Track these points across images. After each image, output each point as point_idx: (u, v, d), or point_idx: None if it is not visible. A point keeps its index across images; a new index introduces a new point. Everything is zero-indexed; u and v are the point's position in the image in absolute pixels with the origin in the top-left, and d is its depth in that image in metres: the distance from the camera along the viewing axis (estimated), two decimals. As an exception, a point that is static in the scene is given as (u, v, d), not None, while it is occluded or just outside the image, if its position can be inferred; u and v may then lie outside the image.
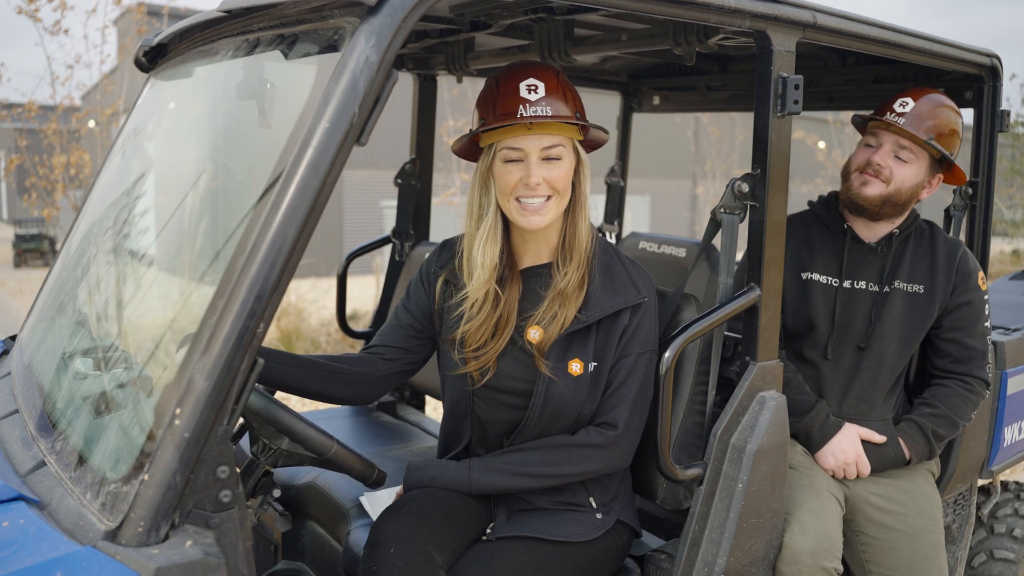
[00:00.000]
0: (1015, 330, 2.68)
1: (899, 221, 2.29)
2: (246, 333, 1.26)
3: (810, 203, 2.42)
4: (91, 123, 9.29)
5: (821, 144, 14.21)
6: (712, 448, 1.86)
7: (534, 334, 1.81)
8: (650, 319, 1.84)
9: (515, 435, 1.82)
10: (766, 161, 1.85)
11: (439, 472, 1.83)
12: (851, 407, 2.25)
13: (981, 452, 2.55)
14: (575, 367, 1.79)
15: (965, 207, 2.52)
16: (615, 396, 1.81)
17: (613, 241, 3.61)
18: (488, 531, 1.82)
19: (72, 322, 2.05)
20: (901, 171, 2.19)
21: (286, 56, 1.53)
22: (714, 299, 1.98)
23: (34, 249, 17.95)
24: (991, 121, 2.46)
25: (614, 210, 3.63)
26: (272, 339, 7.68)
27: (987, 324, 2.28)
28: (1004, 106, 2.52)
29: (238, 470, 1.51)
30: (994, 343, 2.54)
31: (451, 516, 1.74)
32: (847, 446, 2.17)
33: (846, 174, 2.28)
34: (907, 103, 2.19)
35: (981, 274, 2.29)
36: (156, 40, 2.07)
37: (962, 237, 2.55)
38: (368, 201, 18.28)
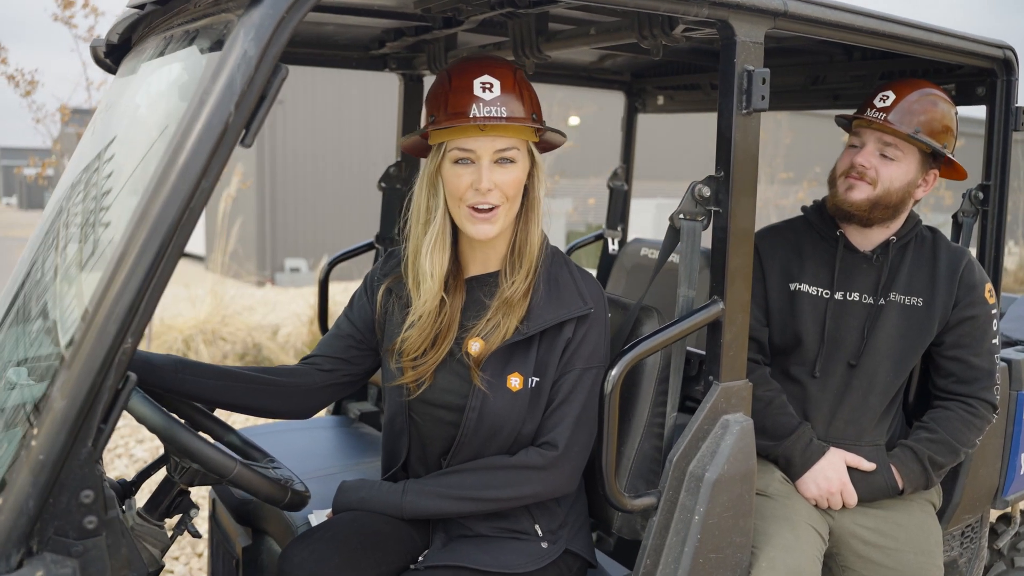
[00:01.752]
0: (1035, 347, 2.46)
1: (896, 227, 2.10)
2: (111, 348, 1.17)
3: (803, 208, 2.25)
4: None
5: None
6: (667, 475, 1.71)
7: (474, 346, 1.70)
8: (597, 332, 1.70)
9: (451, 453, 1.71)
10: (730, 162, 1.70)
11: (370, 494, 1.72)
12: (839, 430, 2.07)
13: (993, 480, 2.33)
14: (514, 382, 1.66)
15: (976, 213, 2.31)
16: (556, 415, 1.68)
17: (616, 247, 3.47)
18: (420, 559, 1.70)
19: (19, 327, 2.01)
20: (888, 170, 2.01)
21: (188, 53, 1.44)
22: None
23: None
24: (1005, 119, 2.25)
25: (617, 215, 3.47)
26: (303, 343, 7.70)
27: (995, 341, 2.08)
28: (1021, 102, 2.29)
29: (123, 492, 1.43)
30: (1008, 361, 2.32)
31: (373, 542, 1.63)
32: (831, 473, 1.99)
33: (832, 180, 2.11)
34: (888, 97, 2.02)
35: (989, 286, 2.08)
36: (105, 39, 2.02)
37: (973, 246, 2.34)
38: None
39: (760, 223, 2.19)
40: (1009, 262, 13.24)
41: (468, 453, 1.70)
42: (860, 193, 2.02)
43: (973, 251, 2.29)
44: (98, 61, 2.17)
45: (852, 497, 1.99)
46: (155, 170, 1.22)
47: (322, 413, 3.66)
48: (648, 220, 15.59)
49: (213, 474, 1.48)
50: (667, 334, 1.68)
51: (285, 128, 14.56)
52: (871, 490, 2.01)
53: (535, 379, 1.68)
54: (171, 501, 1.59)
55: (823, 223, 2.15)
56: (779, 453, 2.02)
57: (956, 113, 2.09)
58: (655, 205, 16.34)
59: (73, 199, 1.81)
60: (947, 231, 2.37)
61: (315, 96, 14.68)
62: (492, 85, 1.63)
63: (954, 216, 2.33)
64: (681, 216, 1.73)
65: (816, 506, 2.02)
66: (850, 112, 2.16)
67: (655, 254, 3.25)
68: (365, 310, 1.83)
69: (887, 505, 2.05)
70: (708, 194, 1.72)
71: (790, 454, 2.01)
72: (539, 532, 1.73)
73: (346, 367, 1.82)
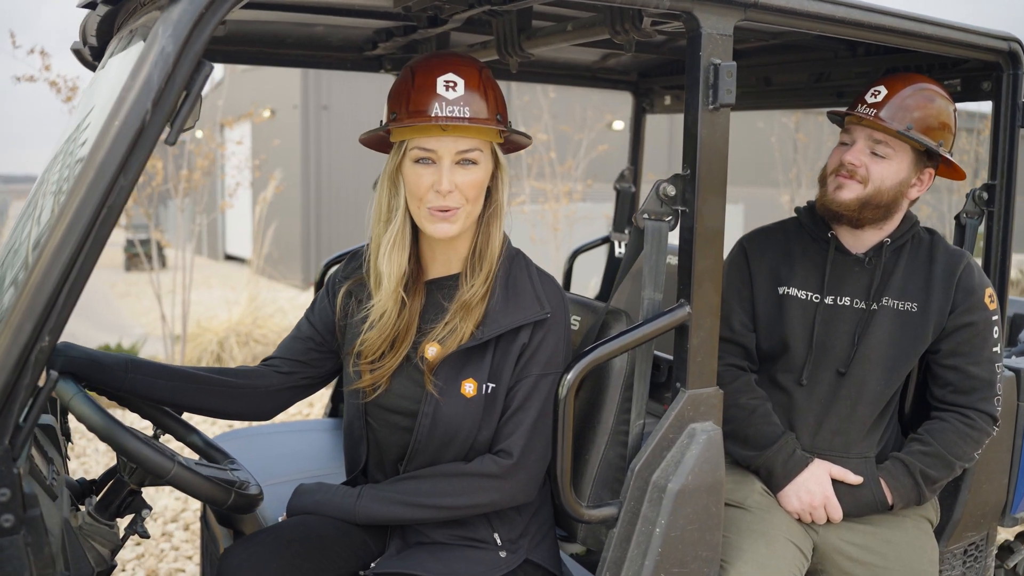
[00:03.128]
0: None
1: (890, 228, 2.00)
2: (26, 346, 1.17)
3: (797, 210, 2.16)
4: (198, 133, 9.74)
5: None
6: (629, 485, 1.64)
7: (431, 351, 1.66)
8: (555, 338, 1.66)
9: (407, 460, 1.68)
10: (696, 160, 1.63)
11: (325, 498, 1.70)
12: (825, 441, 1.97)
13: (999, 496, 2.20)
14: (468, 388, 1.63)
15: (980, 214, 2.19)
16: (512, 422, 1.63)
17: (622, 251, 3.40)
18: (372, 566, 1.67)
19: None
20: (879, 169, 1.91)
21: (128, 51, 1.44)
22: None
23: (136, 254, 18.80)
24: (1011, 115, 2.13)
25: (624, 218, 3.40)
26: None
27: (996, 349, 1.96)
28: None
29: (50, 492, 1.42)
30: (1016, 371, 2.20)
31: (320, 547, 1.60)
32: (814, 486, 1.90)
33: (823, 179, 2.02)
34: (880, 92, 1.93)
35: (990, 291, 1.97)
36: (85, 42, 2.04)
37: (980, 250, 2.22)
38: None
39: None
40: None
41: (423, 460, 1.66)
42: (849, 192, 1.93)
43: (979, 258, 2.18)
44: (85, 63, 2.20)
45: (836, 511, 1.89)
46: (77, 167, 1.22)
47: (318, 415, 3.66)
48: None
49: (151, 474, 1.47)
50: (627, 338, 1.62)
51: (329, 133, 14.75)
52: (858, 505, 1.91)
53: (490, 385, 1.64)
54: (122, 501, 1.58)
55: (815, 224, 2.07)
56: (760, 464, 1.94)
57: (955, 110, 1.99)
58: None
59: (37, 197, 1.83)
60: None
61: (358, 102, 14.84)
62: (456, 84, 1.59)
63: (956, 217, 2.21)
64: (645, 216, 1.67)
65: (799, 520, 1.93)
66: (844, 109, 2.07)
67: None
68: (326, 312, 1.81)
69: (877, 521, 1.95)
70: (673, 193, 1.65)
71: (772, 465, 1.92)
72: (498, 541, 1.69)
73: (305, 370, 1.80)
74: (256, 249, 8.43)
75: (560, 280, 3.63)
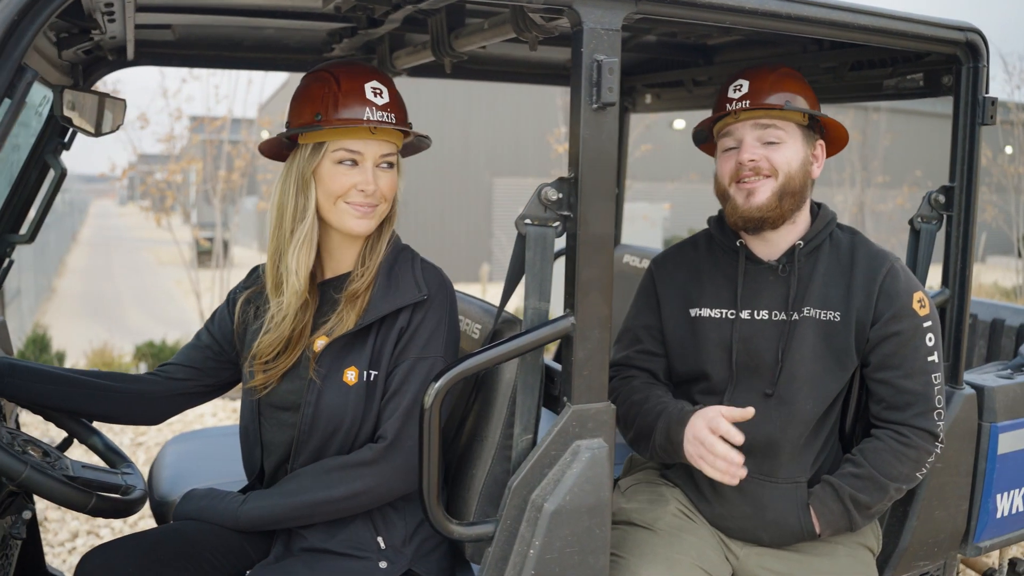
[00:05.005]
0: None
1: (802, 228, 1.86)
2: None
3: (709, 220, 2.02)
4: (264, 133, 10.00)
5: (1008, 149, 12.29)
6: (506, 502, 1.57)
7: (320, 344, 1.69)
8: (434, 321, 1.66)
9: (292, 456, 1.68)
10: (579, 163, 1.55)
11: (210, 504, 1.69)
12: (753, 464, 1.80)
13: (956, 523, 2.03)
14: (350, 375, 1.64)
15: (938, 219, 2.02)
16: (389, 406, 1.63)
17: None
18: (248, 574, 1.64)
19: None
20: (780, 155, 1.79)
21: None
22: None
23: (205, 252, 19.34)
24: (971, 111, 1.96)
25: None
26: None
27: (932, 359, 1.78)
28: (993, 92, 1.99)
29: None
30: (979, 389, 2.02)
31: (188, 554, 1.58)
32: (697, 420, 1.68)
33: (722, 194, 1.86)
34: (742, 85, 1.82)
35: (918, 295, 1.80)
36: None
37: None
38: (514, 206, 18.47)
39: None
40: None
41: (307, 454, 1.67)
42: (763, 193, 1.78)
43: (936, 269, 2.02)
44: None
45: (727, 426, 1.63)
46: None
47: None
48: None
49: (4, 476, 1.48)
50: (503, 349, 1.54)
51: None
52: (782, 533, 1.78)
53: (372, 373, 1.65)
54: (1, 503, 1.60)
55: (724, 235, 1.92)
56: (659, 443, 1.76)
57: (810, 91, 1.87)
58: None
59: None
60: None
61: (418, 104, 14.96)
62: (382, 91, 1.67)
63: (910, 222, 2.05)
64: (527, 222, 1.59)
65: (724, 539, 1.80)
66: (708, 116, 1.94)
67: (635, 261, 3.08)
68: (225, 322, 1.85)
69: (804, 548, 1.81)
70: (556, 198, 1.57)
71: (667, 430, 1.73)
72: (381, 545, 1.65)
73: (201, 377, 1.83)
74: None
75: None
